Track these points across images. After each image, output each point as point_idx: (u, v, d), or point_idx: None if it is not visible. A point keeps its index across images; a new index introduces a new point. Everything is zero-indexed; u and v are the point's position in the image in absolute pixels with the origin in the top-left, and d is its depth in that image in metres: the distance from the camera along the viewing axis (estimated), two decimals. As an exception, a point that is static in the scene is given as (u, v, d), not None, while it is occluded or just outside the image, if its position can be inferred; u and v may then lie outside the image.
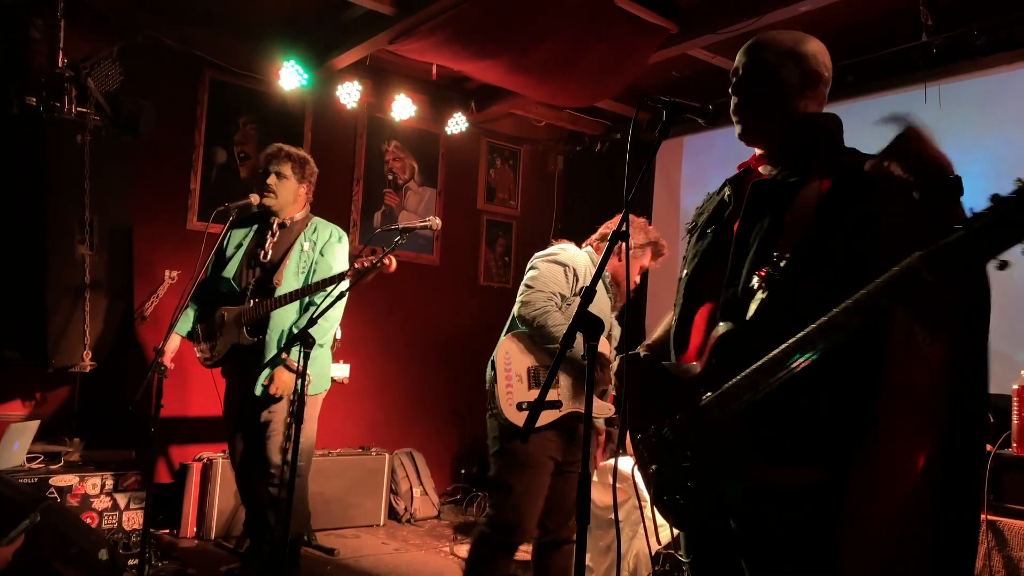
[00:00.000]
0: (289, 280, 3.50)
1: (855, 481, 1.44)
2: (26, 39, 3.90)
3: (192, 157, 4.75)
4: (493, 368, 2.92)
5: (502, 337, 2.97)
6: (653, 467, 1.67)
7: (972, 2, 3.88)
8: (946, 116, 4.14)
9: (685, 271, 1.77)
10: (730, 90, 1.73)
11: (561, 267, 2.92)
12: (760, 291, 1.51)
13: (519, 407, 2.79)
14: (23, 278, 3.64)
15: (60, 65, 3.84)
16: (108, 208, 3.82)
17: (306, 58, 4.72)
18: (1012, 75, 3.96)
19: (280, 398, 3.42)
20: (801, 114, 1.68)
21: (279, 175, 3.57)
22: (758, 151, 1.75)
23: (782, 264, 1.50)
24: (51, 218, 3.62)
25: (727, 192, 1.76)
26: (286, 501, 2.80)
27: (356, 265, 3.16)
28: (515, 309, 2.93)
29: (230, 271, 3.59)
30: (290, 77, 4.70)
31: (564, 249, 3.00)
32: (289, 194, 3.60)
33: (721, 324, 1.56)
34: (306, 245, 3.58)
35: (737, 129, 1.73)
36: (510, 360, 2.89)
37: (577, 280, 2.93)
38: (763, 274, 1.51)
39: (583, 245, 3.09)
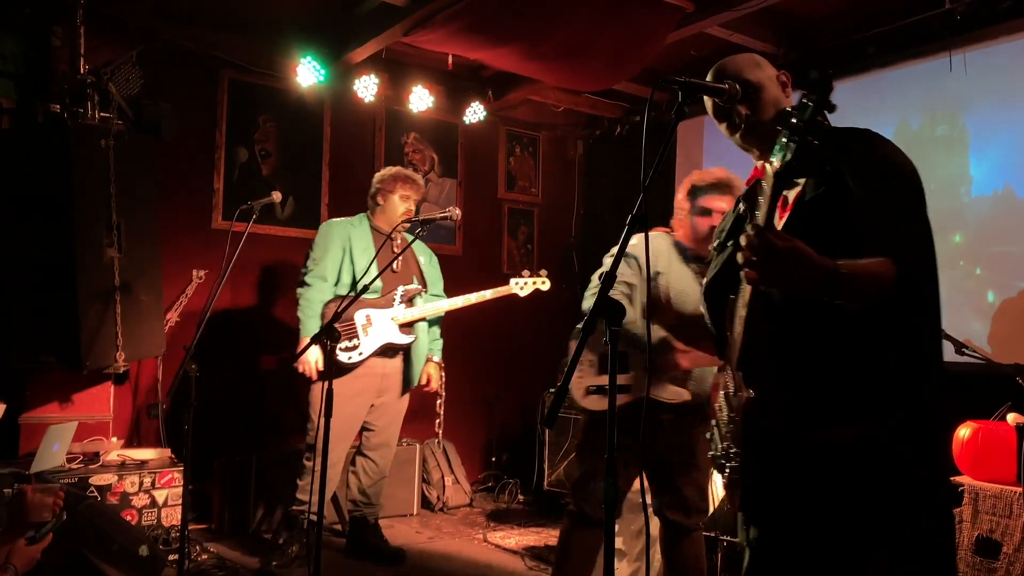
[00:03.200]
0: (432, 287, 4.19)
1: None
2: (47, 47, 3.96)
3: (214, 157, 4.80)
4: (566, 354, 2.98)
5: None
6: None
7: (996, -34, 3.79)
8: (972, 84, 4.05)
9: (705, 279, 1.90)
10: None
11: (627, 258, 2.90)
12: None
13: (588, 391, 2.80)
14: (54, 284, 3.70)
15: (82, 71, 3.90)
16: (134, 211, 3.88)
17: (322, 54, 4.74)
18: (1040, 39, 3.87)
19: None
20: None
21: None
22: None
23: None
24: (78, 223, 3.68)
25: (741, 207, 1.86)
26: (320, 489, 2.83)
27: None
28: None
29: (374, 277, 3.59)
30: (307, 74, 4.72)
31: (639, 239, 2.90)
32: None
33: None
34: (423, 259, 4.17)
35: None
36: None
37: (642, 268, 2.84)
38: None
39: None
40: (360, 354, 3.89)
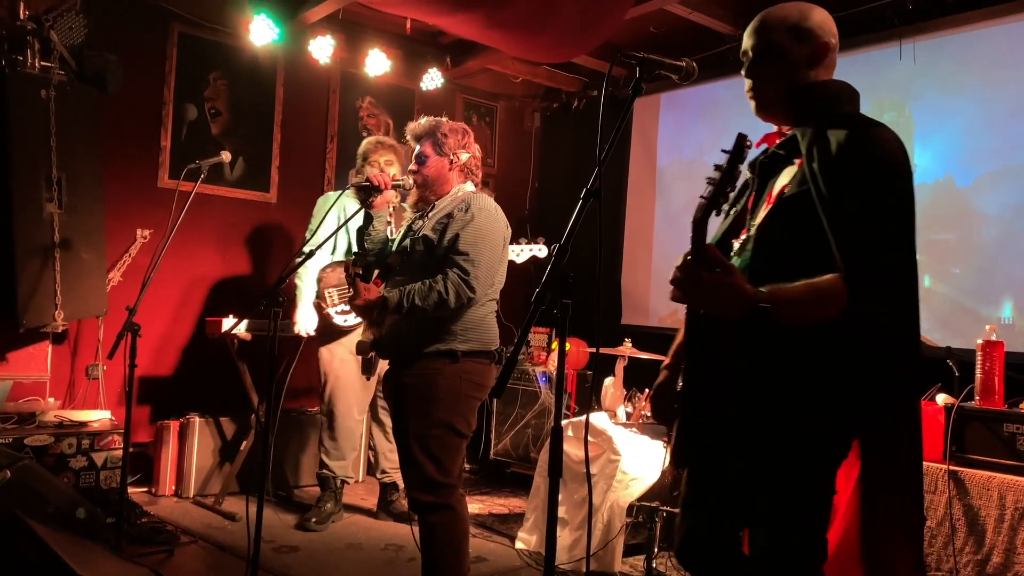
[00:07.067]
0: None
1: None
2: (-16, -10, 3.78)
3: (162, 113, 4.66)
4: None
5: None
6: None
7: (948, -43, 3.87)
8: (921, 73, 4.15)
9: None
10: (743, 72, 1.77)
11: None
12: (735, 255, 1.63)
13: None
14: (-10, 237, 3.58)
15: (22, 17, 3.73)
16: (76, 165, 3.75)
17: (277, 11, 4.62)
18: (988, 31, 3.98)
19: None
20: (807, 84, 1.71)
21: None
22: (776, 127, 1.81)
23: (752, 230, 1.62)
24: (17, 176, 3.55)
25: (748, 175, 1.82)
26: (263, 452, 2.82)
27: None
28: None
29: (323, 240, 3.78)
30: (261, 31, 4.60)
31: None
32: None
33: None
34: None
35: (752, 107, 1.78)
36: None
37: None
38: (739, 239, 1.63)
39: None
40: (356, 317, 3.94)
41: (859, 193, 1.49)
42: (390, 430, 4.11)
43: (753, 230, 1.64)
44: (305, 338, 4.11)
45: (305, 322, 4.08)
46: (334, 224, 4.02)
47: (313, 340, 4.14)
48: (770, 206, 1.64)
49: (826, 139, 1.55)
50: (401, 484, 4.12)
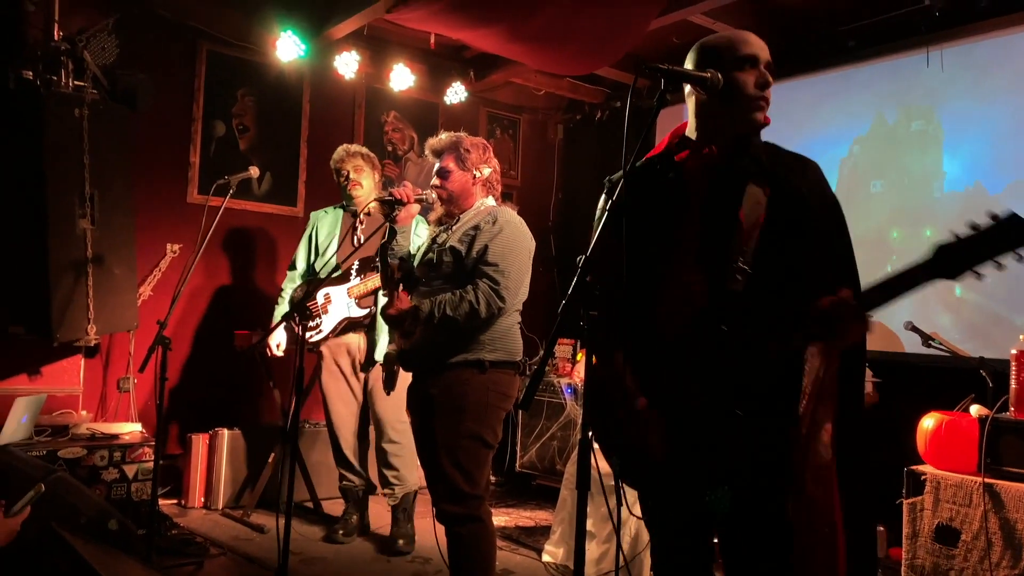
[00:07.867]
0: None
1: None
2: (20, 11, 3.86)
3: (191, 130, 4.74)
4: None
5: None
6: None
7: (975, -36, 3.83)
8: (948, 81, 4.11)
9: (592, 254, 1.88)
10: (773, 78, 1.82)
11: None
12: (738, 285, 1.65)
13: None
14: (25, 253, 3.65)
15: (56, 38, 3.82)
16: (108, 182, 3.82)
17: (303, 28, 4.68)
18: (1016, 37, 3.93)
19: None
20: None
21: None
22: (683, 130, 1.87)
23: (745, 262, 1.65)
24: (51, 193, 3.62)
25: (670, 174, 1.82)
26: (291, 467, 2.81)
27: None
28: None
29: (330, 257, 4.02)
30: (287, 48, 4.66)
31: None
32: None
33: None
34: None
35: (763, 112, 1.79)
36: None
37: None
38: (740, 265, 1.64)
39: None
40: (320, 332, 3.95)
41: (842, 221, 1.76)
42: (382, 441, 3.98)
43: (744, 256, 1.66)
44: (280, 356, 4.13)
45: (274, 340, 4.08)
46: (306, 242, 4.13)
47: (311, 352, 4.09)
48: (747, 231, 1.67)
49: (801, 170, 1.75)
50: (387, 500, 3.98)
